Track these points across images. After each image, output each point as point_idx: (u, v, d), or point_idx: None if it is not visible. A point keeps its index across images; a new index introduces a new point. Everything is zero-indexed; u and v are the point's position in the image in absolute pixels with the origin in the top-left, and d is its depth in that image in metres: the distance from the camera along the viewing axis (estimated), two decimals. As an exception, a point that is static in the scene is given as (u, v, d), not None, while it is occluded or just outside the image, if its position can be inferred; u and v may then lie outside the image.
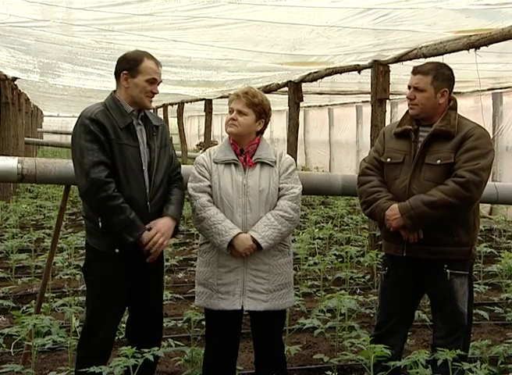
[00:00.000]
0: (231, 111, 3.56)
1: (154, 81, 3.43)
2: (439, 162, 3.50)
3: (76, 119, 3.42)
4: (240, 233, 3.44)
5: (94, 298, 3.50)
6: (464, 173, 3.41)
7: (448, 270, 3.52)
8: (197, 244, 4.11)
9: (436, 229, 3.50)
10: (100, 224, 3.35)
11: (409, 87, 3.64)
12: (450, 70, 3.65)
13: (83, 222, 3.60)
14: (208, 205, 3.49)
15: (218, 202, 3.52)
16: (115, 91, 3.50)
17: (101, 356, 3.42)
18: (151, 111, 3.68)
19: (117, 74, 3.46)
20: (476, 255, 3.80)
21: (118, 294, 3.44)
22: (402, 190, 3.57)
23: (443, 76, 3.59)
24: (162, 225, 3.39)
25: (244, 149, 3.56)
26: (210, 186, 3.54)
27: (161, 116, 20.23)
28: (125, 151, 3.34)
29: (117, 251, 3.36)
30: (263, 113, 3.57)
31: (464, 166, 3.43)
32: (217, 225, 3.45)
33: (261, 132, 3.64)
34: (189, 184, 3.59)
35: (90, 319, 3.50)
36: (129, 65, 3.41)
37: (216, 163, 3.56)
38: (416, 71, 3.62)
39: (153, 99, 3.51)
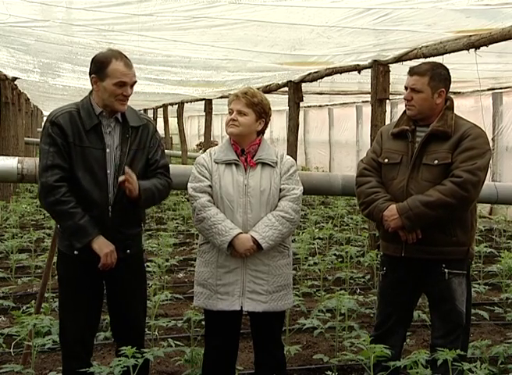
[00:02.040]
0: (231, 112, 3.55)
1: (124, 84, 3.26)
2: (436, 162, 3.50)
3: None
4: (241, 233, 3.44)
5: (60, 298, 3.50)
6: (462, 173, 3.41)
7: (446, 270, 3.52)
8: (197, 244, 4.10)
9: (434, 229, 3.50)
10: (59, 226, 3.36)
11: (406, 88, 3.64)
12: (447, 70, 3.65)
13: None
14: (208, 205, 3.49)
15: (218, 202, 3.51)
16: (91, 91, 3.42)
17: (78, 357, 3.39)
18: (139, 110, 3.58)
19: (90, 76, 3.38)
20: (474, 254, 3.80)
21: (79, 294, 3.40)
22: (400, 190, 3.57)
23: (440, 77, 3.59)
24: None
25: (245, 150, 3.56)
26: (210, 186, 3.53)
27: (161, 116, 20.18)
28: (87, 154, 3.27)
29: (76, 252, 3.32)
30: (263, 113, 3.56)
31: (461, 166, 3.43)
32: (217, 225, 3.44)
33: (262, 132, 3.64)
34: (189, 184, 3.58)
35: (60, 319, 3.50)
36: (96, 67, 3.29)
37: (217, 163, 3.55)
38: (412, 72, 3.62)
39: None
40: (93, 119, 3.30)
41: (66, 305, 3.44)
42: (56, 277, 3.61)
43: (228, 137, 3.63)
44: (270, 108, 3.62)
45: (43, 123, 3.36)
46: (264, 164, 3.55)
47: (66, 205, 3.21)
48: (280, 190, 3.55)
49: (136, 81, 3.35)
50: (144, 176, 3.39)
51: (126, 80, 3.27)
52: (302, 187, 3.63)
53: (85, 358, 3.43)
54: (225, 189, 3.50)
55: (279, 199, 3.54)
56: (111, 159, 3.31)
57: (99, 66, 3.28)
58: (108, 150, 3.31)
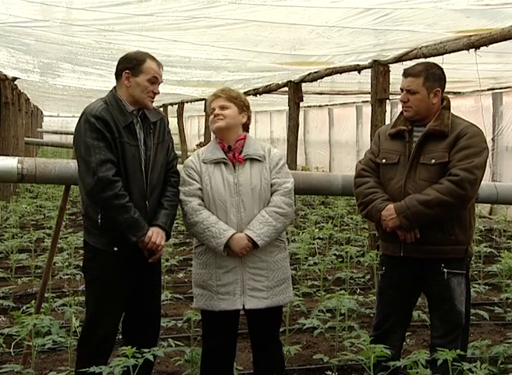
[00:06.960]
0: (212, 111, 3.58)
1: (156, 81, 3.45)
2: (433, 161, 3.51)
3: (79, 116, 3.42)
4: (235, 233, 3.44)
5: (94, 297, 3.49)
6: (459, 172, 3.41)
7: (445, 269, 3.52)
8: (197, 244, 4.09)
9: (433, 228, 3.50)
10: (99, 222, 3.35)
11: (401, 90, 3.64)
12: (441, 69, 3.65)
13: (82, 220, 3.60)
14: (199, 209, 3.49)
15: (210, 203, 3.51)
16: (115, 88, 3.48)
17: (102, 355, 3.42)
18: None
19: (118, 73, 3.46)
20: (473, 253, 3.80)
21: (118, 291, 3.44)
22: (398, 190, 3.57)
23: (434, 76, 3.59)
24: (156, 230, 3.41)
25: (232, 146, 3.57)
26: (200, 189, 3.53)
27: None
28: (126, 149, 3.36)
29: (115, 249, 3.37)
30: (244, 106, 3.61)
31: (458, 165, 3.43)
32: (211, 228, 3.44)
33: (247, 127, 3.66)
34: (179, 188, 3.58)
35: (91, 317, 3.50)
36: (131, 64, 3.42)
37: (205, 163, 3.56)
38: (407, 73, 3.62)
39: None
40: (127, 116, 3.40)
41: (102, 304, 3.45)
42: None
43: (214, 137, 3.65)
44: (249, 104, 3.66)
45: (81, 119, 3.36)
46: (252, 160, 3.56)
47: (124, 199, 3.28)
48: (271, 184, 3.56)
49: (162, 81, 3.53)
50: (164, 168, 3.52)
51: (158, 77, 3.47)
52: (293, 179, 3.64)
53: (107, 356, 3.47)
54: (216, 189, 3.50)
55: (272, 194, 3.55)
56: (141, 154, 3.42)
57: (135, 63, 3.43)
58: (139, 146, 3.42)
